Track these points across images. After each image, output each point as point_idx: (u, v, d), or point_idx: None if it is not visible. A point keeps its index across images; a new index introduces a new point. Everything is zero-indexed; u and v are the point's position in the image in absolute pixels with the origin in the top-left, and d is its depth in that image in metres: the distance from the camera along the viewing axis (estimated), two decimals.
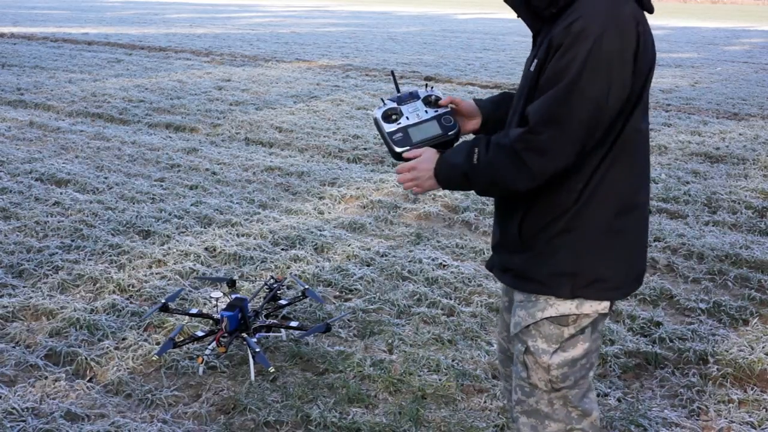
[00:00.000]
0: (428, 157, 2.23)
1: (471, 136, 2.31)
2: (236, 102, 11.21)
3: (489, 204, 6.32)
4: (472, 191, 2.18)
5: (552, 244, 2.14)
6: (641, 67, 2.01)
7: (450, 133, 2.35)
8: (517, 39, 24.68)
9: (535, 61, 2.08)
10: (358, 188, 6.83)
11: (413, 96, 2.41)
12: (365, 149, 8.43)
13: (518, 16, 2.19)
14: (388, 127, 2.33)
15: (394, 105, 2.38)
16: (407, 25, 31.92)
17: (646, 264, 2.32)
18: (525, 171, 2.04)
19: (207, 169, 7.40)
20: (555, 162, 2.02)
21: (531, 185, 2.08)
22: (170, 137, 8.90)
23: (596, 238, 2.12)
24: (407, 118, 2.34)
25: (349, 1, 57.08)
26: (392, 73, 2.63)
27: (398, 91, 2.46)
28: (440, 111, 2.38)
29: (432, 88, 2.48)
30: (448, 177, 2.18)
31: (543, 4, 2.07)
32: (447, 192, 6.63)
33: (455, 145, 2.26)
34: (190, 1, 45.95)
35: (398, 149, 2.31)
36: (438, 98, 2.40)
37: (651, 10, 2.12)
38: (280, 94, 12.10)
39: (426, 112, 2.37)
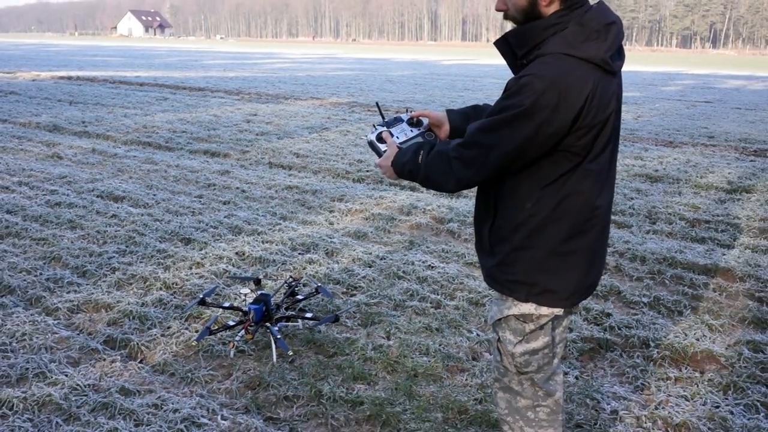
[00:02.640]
0: (388, 154, 2.27)
1: None
2: (261, 132, 11.22)
3: (469, 216, 6.31)
4: (415, 182, 2.20)
5: (512, 257, 2.11)
6: (590, 122, 1.93)
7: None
8: (492, 80, 24.73)
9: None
10: (361, 203, 6.83)
11: (398, 120, 2.43)
12: (367, 171, 8.43)
13: (506, 62, 2.16)
14: (383, 147, 2.35)
15: (384, 129, 2.39)
16: (402, 69, 32.01)
17: (600, 275, 2.24)
18: (451, 176, 2.05)
19: (237, 188, 7.39)
20: (475, 176, 2.03)
21: (456, 188, 2.09)
22: (207, 161, 8.90)
23: (548, 257, 2.07)
24: (397, 137, 2.35)
25: (354, 50, 57.16)
26: (377, 104, 2.76)
27: (383, 118, 2.47)
28: (422, 129, 2.40)
29: (408, 111, 2.53)
30: (400, 170, 2.22)
31: (520, 53, 2.03)
32: (435, 207, 6.63)
33: (407, 145, 2.29)
34: (224, 50, 46.00)
35: None
36: (420, 121, 2.43)
37: (612, 70, 1.98)
38: (297, 126, 12.10)
39: (411, 131, 2.39)
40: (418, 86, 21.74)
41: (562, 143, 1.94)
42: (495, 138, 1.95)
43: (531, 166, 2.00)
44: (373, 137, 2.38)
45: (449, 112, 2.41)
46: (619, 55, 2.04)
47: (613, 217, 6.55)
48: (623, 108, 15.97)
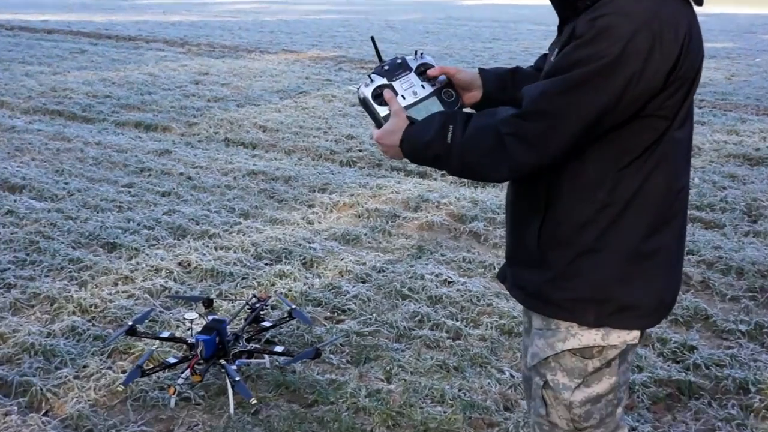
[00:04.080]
0: (393, 127, 2.21)
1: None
2: (215, 98, 11.22)
3: (500, 212, 6.30)
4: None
5: (575, 266, 2.11)
6: (684, 74, 1.97)
7: (454, 110, 2.28)
8: (531, 27, 24.76)
9: (556, 51, 2.06)
10: (352, 195, 6.82)
11: (403, 67, 2.32)
12: (360, 151, 8.43)
13: (550, 1, 2.16)
14: (382, 110, 2.26)
15: (384, 81, 2.30)
16: (407, 11, 32.06)
17: (680, 284, 2.28)
18: (505, 159, 2.02)
19: (181, 174, 7.38)
20: (540, 157, 2.00)
21: (510, 176, 2.08)
22: (140, 137, 8.89)
23: (627, 261, 2.09)
24: (403, 97, 2.26)
25: None
26: (372, 39, 2.52)
27: (380, 60, 2.37)
28: (438, 84, 2.31)
29: (422, 54, 2.38)
30: (415, 153, 2.18)
31: None
32: (452, 200, 6.62)
33: (423, 115, 2.21)
34: None
35: None
36: (430, 66, 2.33)
37: (700, 2, 2.07)
38: (264, 89, 12.11)
39: (423, 87, 2.30)
40: (429, 35, 21.75)
41: (650, 104, 1.96)
42: (569, 103, 1.94)
43: (603, 139, 2.01)
44: (367, 93, 2.29)
45: (483, 72, 2.40)
46: None
47: (698, 214, 6.55)
48: (709, 63, 15.99)
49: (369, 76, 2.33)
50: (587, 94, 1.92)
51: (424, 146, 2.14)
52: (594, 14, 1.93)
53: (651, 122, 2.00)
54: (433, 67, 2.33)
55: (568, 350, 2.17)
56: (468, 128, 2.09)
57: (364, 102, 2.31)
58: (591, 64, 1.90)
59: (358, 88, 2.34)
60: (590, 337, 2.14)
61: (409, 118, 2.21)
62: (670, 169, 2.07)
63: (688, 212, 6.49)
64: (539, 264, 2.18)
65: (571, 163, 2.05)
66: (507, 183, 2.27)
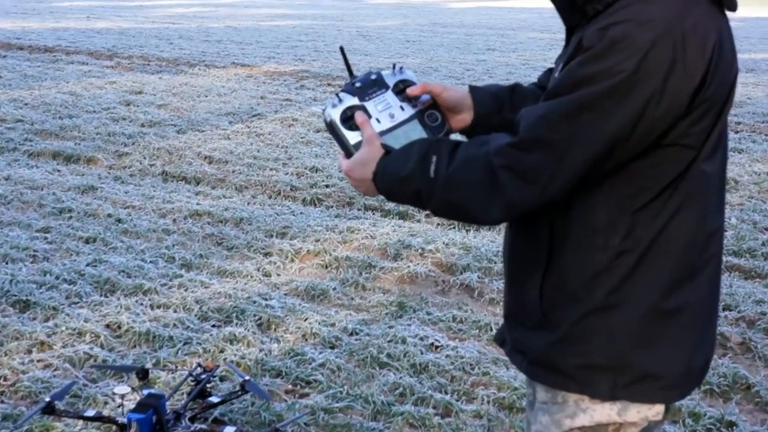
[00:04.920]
0: (363, 158, 2.20)
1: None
2: (150, 122, 11.22)
3: (498, 260, 6.34)
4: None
5: (585, 325, 2.10)
6: (713, 94, 1.96)
7: (438, 137, 2.26)
8: (533, 36, 25.00)
9: (561, 65, 2.07)
10: (317, 240, 6.83)
11: (379, 83, 2.30)
12: (327, 186, 8.45)
13: (553, 5, 2.16)
14: (353, 137, 2.24)
15: (356, 101, 2.27)
16: (384, 17, 32.28)
17: (714, 349, 2.27)
18: (498, 197, 2.01)
19: (109, 215, 7.36)
20: (540, 195, 1.99)
21: (503, 217, 2.08)
22: (58, 171, 8.87)
23: (645, 321, 2.07)
24: (378, 120, 2.23)
25: None
26: (341, 50, 2.50)
27: (351, 75, 2.35)
28: (419, 104, 2.29)
29: (401, 68, 2.36)
30: (391, 189, 2.18)
31: None
32: (440, 246, 6.65)
33: (401, 141, 2.20)
34: None
35: None
36: (411, 83, 2.31)
37: (733, 7, 2.06)
38: (210, 111, 12.13)
39: (402, 108, 2.27)
40: (410, 45, 21.90)
41: (672, 131, 1.96)
42: (574, 130, 1.94)
43: (616, 173, 2.01)
44: (335, 115, 2.27)
45: (474, 91, 2.40)
46: None
47: (736, 261, 6.60)
48: (747, 78, 16.19)
49: (337, 94, 2.30)
50: (596, 119, 1.92)
51: (401, 180, 2.13)
52: (605, 22, 1.93)
53: (673, 153, 1.99)
54: (415, 84, 2.31)
55: (578, 428, 2.16)
56: (455, 159, 2.07)
57: (331, 126, 2.28)
58: (601, 83, 1.90)
59: (323, 110, 2.31)
60: (604, 412, 2.13)
61: (384, 146, 2.19)
62: (698, 209, 2.05)
63: (724, 259, 6.53)
64: (542, 324, 2.17)
65: (578, 202, 2.04)
66: (504, 225, 2.26)
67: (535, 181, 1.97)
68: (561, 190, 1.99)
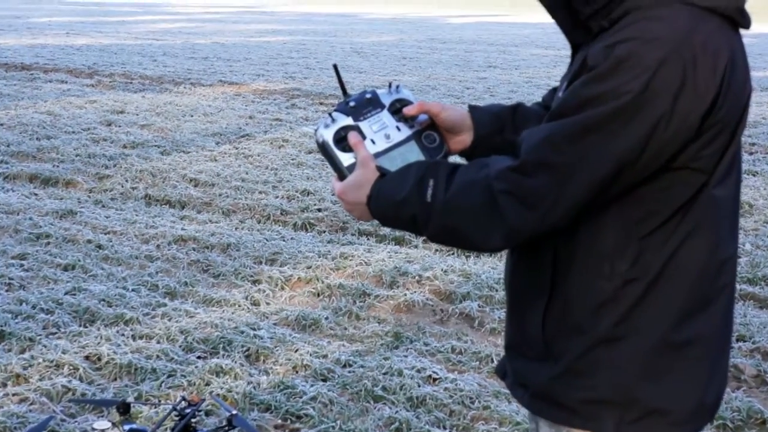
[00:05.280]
0: (357, 181, 2.20)
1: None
2: (132, 143, 11.23)
3: (499, 288, 6.34)
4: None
5: (590, 357, 2.10)
6: (725, 115, 1.96)
7: (436, 159, 2.27)
8: (536, 52, 25.06)
9: (565, 85, 2.08)
10: (309, 267, 6.83)
11: (374, 103, 2.30)
12: (319, 210, 8.46)
13: (555, 21, 2.16)
14: (346, 158, 2.24)
15: (350, 121, 2.27)
16: (380, 32, 32.37)
17: (726, 384, 2.26)
18: (499, 223, 2.01)
19: (89, 241, 7.36)
20: (542, 221, 1.99)
21: (504, 244, 2.07)
22: (36, 194, 8.87)
23: (655, 350, 2.07)
24: (372, 141, 2.24)
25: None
26: (335, 67, 2.51)
27: (345, 94, 2.35)
28: (417, 125, 2.29)
29: (398, 87, 2.37)
30: (386, 213, 2.18)
31: (587, 10, 2.03)
32: (438, 273, 6.66)
33: (397, 163, 2.20)
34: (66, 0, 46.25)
35: None
36: (408, 102, 2.31)
37: (747, 25, 2.09)
38: (196, 131, 12.16)
39: (398, 128, 2.27)
40: (406, 62, 21.96)
41: (681, 155, 1.97)
42: (579, 153, 1.94)
43: (623, 198, 2.01)
44: (328, 136, 2.27)
45: (474, 111, 2.40)
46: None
47: (751, 289, 6.60)
48: (762, 97, 16.22)
49: (330, 114, 2.30)
50: (602, 141, 1.91)
51: (397, 205, 2.13)
52: (611, 39, 1.93)
53: (683, 177, 1.99)
54: (412, 103, 2.31)
55: None
56: (453, 183, 2.07)
57: (323, 147, 2.28)
58: (606, 104, 1.89)
59: (316, 130, 2.31)
60: None
61: (379, 168, 2.19)
62: (710, 235, 2.05)
63: (737, 287, 6.58)
64: (545, 356, 2.17)
65: (583, 226, 2.04)
66: (505, 252, 2.26)
67: (536, 206, 1.97)
68: (564, 216, 1.99)
